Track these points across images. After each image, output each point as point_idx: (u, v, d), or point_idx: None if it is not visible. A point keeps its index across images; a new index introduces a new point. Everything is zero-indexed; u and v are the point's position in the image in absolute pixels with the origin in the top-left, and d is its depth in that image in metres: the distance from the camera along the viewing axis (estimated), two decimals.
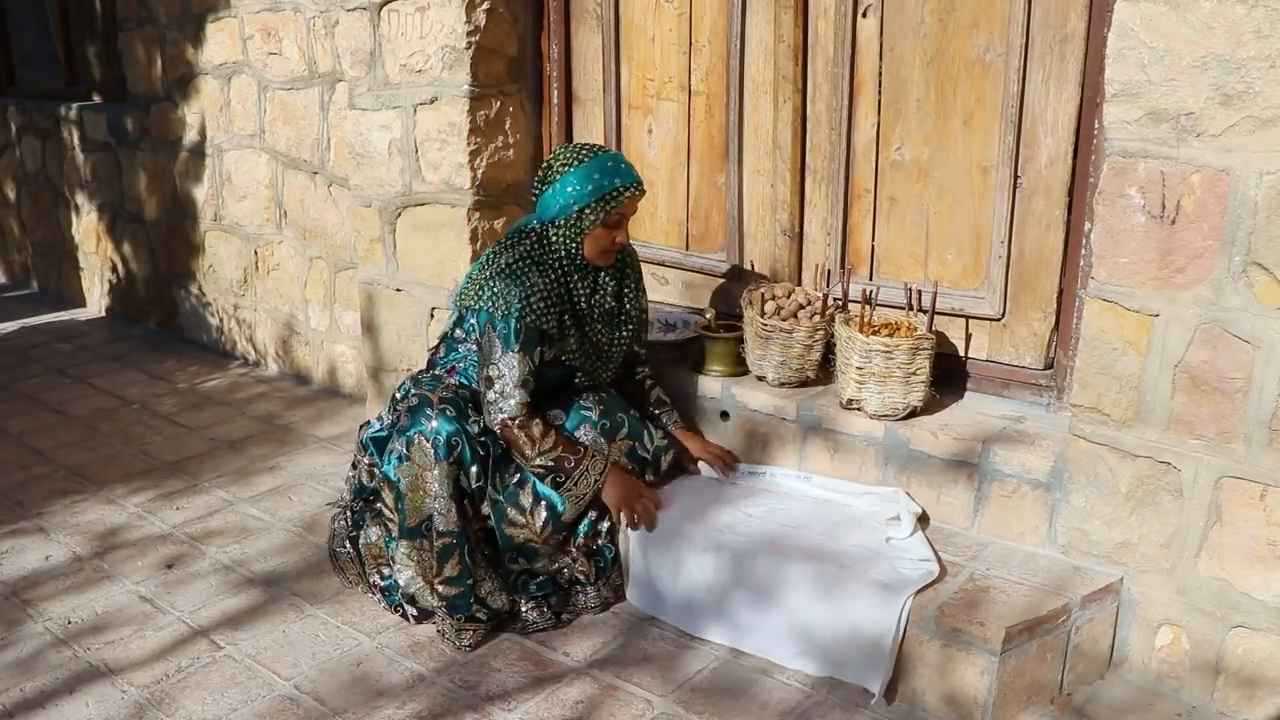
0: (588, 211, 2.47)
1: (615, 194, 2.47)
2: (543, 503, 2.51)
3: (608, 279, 2.64)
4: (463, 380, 2.63)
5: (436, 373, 2.69)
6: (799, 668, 2.33)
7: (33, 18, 5.64)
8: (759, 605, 2.38)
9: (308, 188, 4.12)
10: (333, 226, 4.05)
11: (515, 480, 2.51)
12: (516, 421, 2.46)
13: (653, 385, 2.84)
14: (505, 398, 2.45)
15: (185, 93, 4.56)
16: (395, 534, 2.51)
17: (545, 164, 2.56)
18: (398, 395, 2.69)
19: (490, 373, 2.47)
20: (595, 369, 2.66)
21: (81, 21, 5.32)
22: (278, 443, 3.71)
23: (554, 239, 2.52)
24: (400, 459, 2.45)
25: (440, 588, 2.44)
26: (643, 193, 2.53)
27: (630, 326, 2.71)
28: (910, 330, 2.60)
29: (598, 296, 2.62)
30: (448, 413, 2.44)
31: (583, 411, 2.62)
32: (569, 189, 2.47)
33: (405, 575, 2.51)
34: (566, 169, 2.48)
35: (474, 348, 2.60)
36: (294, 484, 3.37)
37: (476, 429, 2.48)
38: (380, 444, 2.73)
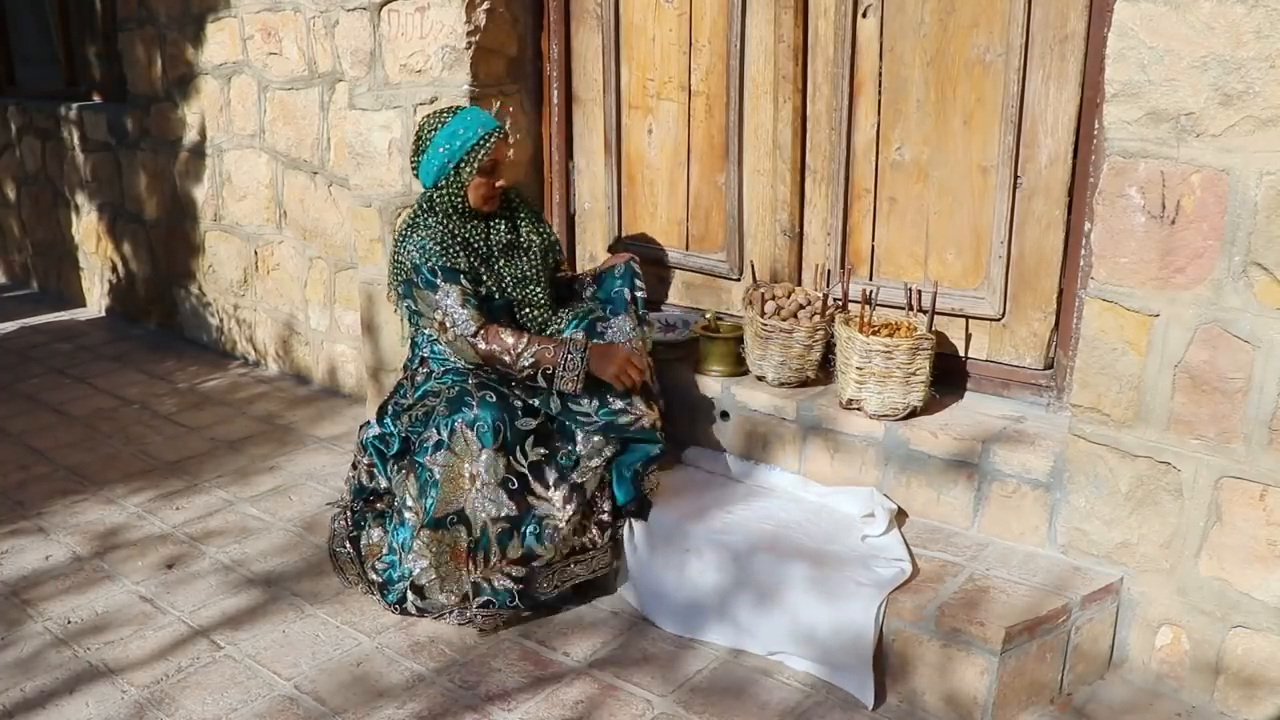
0: (463, 165, 2.61)
1: (482, 142, 2.61)
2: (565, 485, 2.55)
3: (499, 222, 2.75)
4: (439, 364, 2.70)
5: (417, 370, 2.74)
6: (791, 665, 2.34)
7: (33, 18, 5.64)
8: (739, 604, 2.39)
9: (308, 188, 4.12)
10: (333, 226, 4.05)
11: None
12: (483, 335, 2.55)
13: (576, 276, 3.00)
14: (457, 324, 2.56)
15: (185, 93, 4.56)
16: (415, 524, 2.52)
17: (415, 135, 2.70)
18: (399, 399, 2.73)
19: (437, 317, 2.58)
20: (526, 294, 2.74)
21: (81, 21, 5.32)
22: (278, 443, 3.71)
23: (438, 200, 2.66)
24: (438, 447, 2.48)
25: (510, 568, 2.47)
26: (506, 136, 2.69)
27: (535, 252, 2.78)
28: (910, 330, 2.60)
29: (494, 236, 2.73)
30: (489, 399, 2.48)
31: None
32: (440, 149, 2.62)
33: (420, 565, 2.52)
34: (434, 133, 2.63)
35: (427, 330, 2.69)
36: (294, 484, 3.37)
37: (522, 406, 2.55)
38: (382, 451, 2.74)
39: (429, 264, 2.57)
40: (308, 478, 3.41)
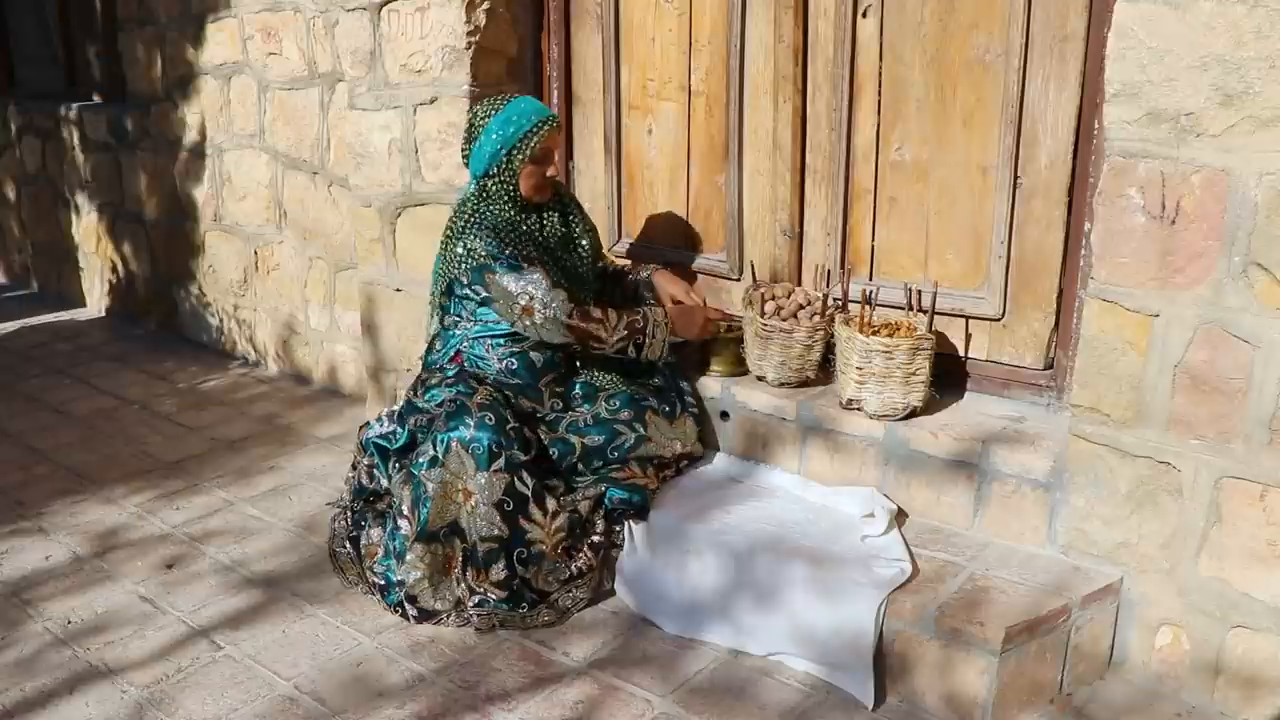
0: (515, 152, 2.61)
1: (535, 130, 2.62)
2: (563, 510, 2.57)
3: (551, 214, 2.77)
4: (471, 363, 2.68)
5: (443, 366, 2.72)
6: (791, 665, 2.34)
7: (33, 18, 5.64)
8: (739, 605, 2.39)
9: (308, 188, 4.12)
10: (333, 226, 4.05)
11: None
12: (575, 315, 2.58)
13: (621, 269, 3.02)
14: (549, 306, 2.57)
15: (185, 93, 4.56)
16: (409, 534, 2.51)
17: (467, 123, 2.69)
18: (411, 398, 2.72)
19: (521, 302, 2.58)
20: (576, 293, 2.73)
21: (81, 22, 5.32)
22: (278, 443, 3.71)
23: (492, 189, 2.65)
24: (433, 463, 2.47)
25: (490, 589, 2.49)
26: (558, 124, 2.70)
27: (585, 245, 2.83)
28: (910, 330, 2.60)
29: (549, 228, 2.75)
30: (488, 420, 2.47)
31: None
32: (493, 136, 2.61)
33: (413, 575, 2.52)
34: (487, 119, 2.63)
35: (471, 325, 2.68)
36: (294, 484, 3.37)
37: (515, 433, 2.53)
38: (384, 450, 2.73)
39: (508, 250, 2.58)
40: (308, 478, 3.41)
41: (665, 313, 2.71)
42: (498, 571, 2.48)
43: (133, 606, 2.66)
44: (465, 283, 2.65)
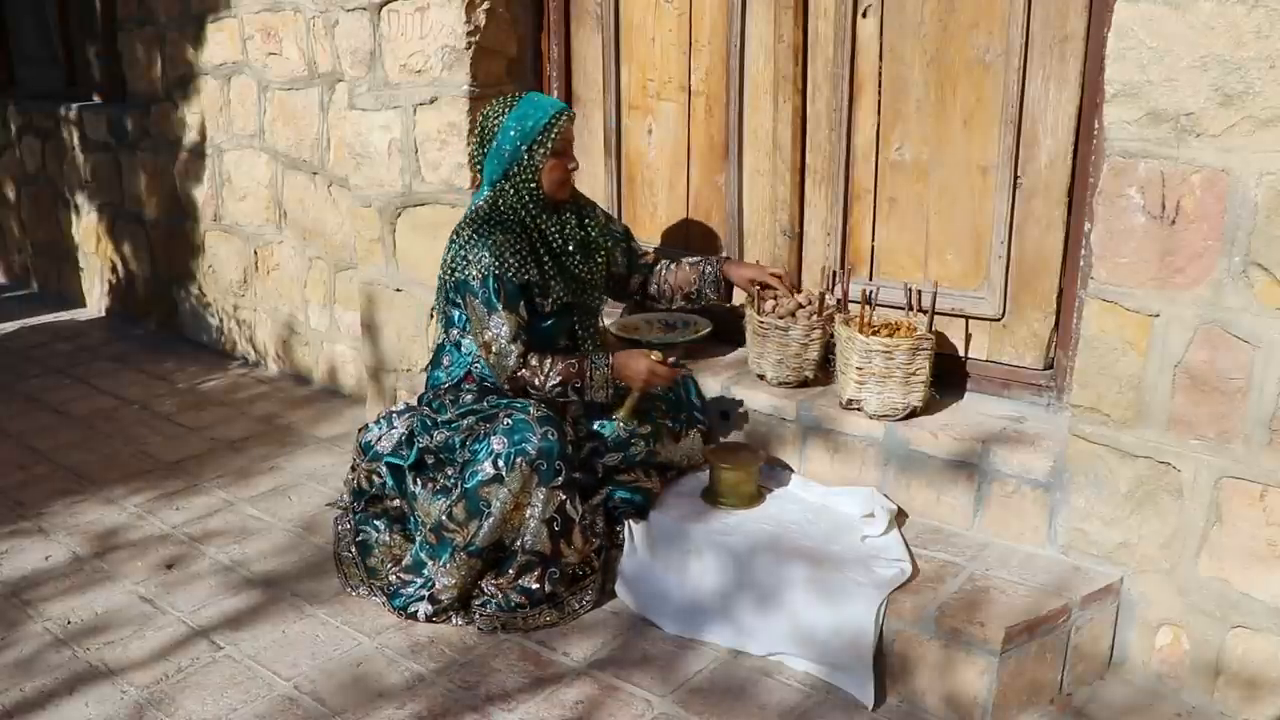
0: (536, 146, 2.56)
1: (553, 123, 2.57)
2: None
3: (569, 214, 2.72)
4: (483, 379, 2.63)
5: (460, 384, 2.65)
6: (791, 666, 2.34)
7: (33, 18, 5.65)
8: (739, 605, 2.39)
9: (308, 188, 4.12)
10: (333, 226, 4.05)
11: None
12: (520, 369, 2.53)
13: (677, 262, 2.95)
14: (504, 356, 2.53)
15: (185, 93, 4.56)
16: (459, 544, 2.48)
17: (478, 129, 2.64)
18: (428, 413, 2.64)
19: (485, 338, 2.54)
20: (585, 299, 2.71)
21: (81, 21, 5.32)
22: (278, 443, 3.71)
23: (510, 193, 2.59)
24: (496, 481, 2.42)
25: (513, 594, 2.49)
26: (573, 116, 2.66)
27: (603, 253, 2.80)
28: (910, 330, 2.60)
29: (568, 230, 2.70)
30: (550, 435, 2.43)
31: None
32: (511, 133, 2.56)
33: (446, 581, 2.51)
34: (500, 119, 2.58)
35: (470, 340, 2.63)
36: (294, 484, 3.37)
37: (574, 449, 2.53)
38: (396, 468, 2.66)
39: (502, 279, 2.50)
40: (308, 478, 3.41)
41: (608, 357, 2.57)
42: (529, 581, 2.48)
43: (133, 606, 2.66)
44: (450, 288, 2.59)
